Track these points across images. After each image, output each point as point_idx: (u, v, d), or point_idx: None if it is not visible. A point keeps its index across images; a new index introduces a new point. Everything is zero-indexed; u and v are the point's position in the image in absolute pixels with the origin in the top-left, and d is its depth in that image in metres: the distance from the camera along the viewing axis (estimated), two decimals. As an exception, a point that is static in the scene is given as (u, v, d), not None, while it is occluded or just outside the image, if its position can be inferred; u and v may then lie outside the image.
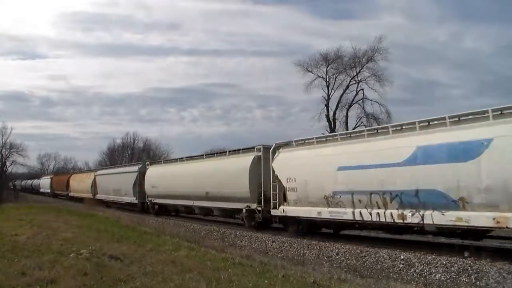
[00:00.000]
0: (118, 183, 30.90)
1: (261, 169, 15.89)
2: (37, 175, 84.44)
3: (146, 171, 26.41)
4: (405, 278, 9.20)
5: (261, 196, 15.64)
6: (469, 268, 8.67)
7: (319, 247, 12.29)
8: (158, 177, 24.63)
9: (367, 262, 10.57)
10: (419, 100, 77.42)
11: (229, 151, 19.58)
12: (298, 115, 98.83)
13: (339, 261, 11.09)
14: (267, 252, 12.99)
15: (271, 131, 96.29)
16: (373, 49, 37.51)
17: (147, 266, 7.89)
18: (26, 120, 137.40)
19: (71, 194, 44.70)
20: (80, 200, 37.35)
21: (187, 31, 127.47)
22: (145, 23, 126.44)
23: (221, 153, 21.27)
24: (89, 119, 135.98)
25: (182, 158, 24.15)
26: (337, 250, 11.66)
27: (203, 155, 22.16)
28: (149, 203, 25.66)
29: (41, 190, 62.88)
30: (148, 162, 28.18)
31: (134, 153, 72.29)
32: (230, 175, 17.35)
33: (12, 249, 9.73)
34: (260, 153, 16.23)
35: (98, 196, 35.09)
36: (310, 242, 12.78)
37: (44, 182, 62.77)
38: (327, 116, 39.62)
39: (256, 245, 14.20)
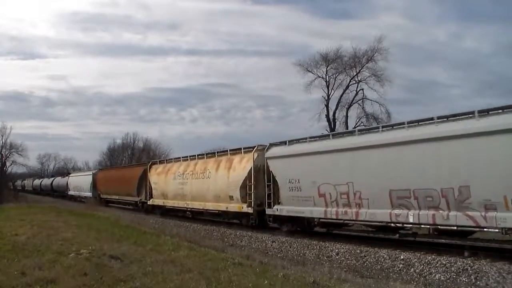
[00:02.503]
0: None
1: None
2: (38, 174, 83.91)
3: None
4: (405, 278, 9.20)
5: None
6: (469, 268, 8.67)
7: (319, 247, 12.29)
8: None
9: (367, 262, 10.57)
10: (419, 100, 77.42)
11: None
12: (298, 115, 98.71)
13: (339, 261, 11.09)
14: (267, 252, 13.00)
15: (271, 131, 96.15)
16: (373, 49, 37.44)
17: (147, 266, 7.88)
18: (26, 120, 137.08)
19: (153, 202, 23.75)
20: (190, 216, 21.45)
21: (187, 31, 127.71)
22: (145, 23, 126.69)
23: None
24: (89, 119, 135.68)
25: None
26: (337, 250, 11.66)
27: None
28: None
29: (71, 193, 42.87)
30: None
31: (134, 153, 72.19)
32: None
33: (12, 249, 9.73)
34: None
35: (289, 210, 14.11)
36: (310, 242, 12.79)
37: (79, 182, 40.84)
38: (327, 116, 39.58)
39: (256, 245, 14.20)
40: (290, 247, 13.03)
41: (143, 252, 9.67)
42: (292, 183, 13.87)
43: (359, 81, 39.00)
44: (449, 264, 9.05)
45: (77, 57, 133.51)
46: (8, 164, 62.07)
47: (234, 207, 16.59)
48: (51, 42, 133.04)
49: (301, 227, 14.60)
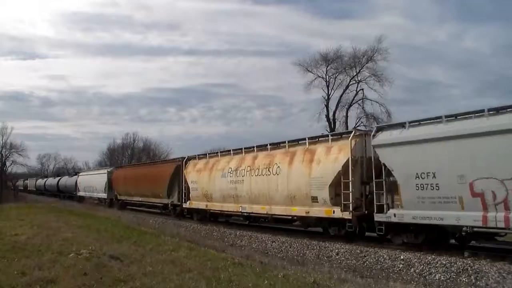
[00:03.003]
0: None
1: None
2: (38, 174, 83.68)
3: None
4: (405, 278, 9.20)
5: None
6: (469, 268, 8.67)
7: (319, 247, 12.28)
8: None
9: (367, 262, 10.57)
10: (419, 100, 77.58)
11: None
12: (298, 115, 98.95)
13: (339, 261, 11.09)
14: (267, 252, 12.99)
15: (271, 132, 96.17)
16: (373, 49, 37.52)
17: (147, 266, 7.89)
18: (26, 120, 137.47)
19: (191, 205, 19.78)
20: (246, 222, 17.75)
21: (187, 31, 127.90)
22: (145, 23, 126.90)
23: None
24: (89, 119, 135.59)
25: None
26: (337, 250, 11.66)
27: None
28: None
29: (81, 193, 38.98)
30: None
31: (134, 153, 72.28)
32: None
33: (12, 249, 9.75)
34: None
35: (416, 215, 10.51)
36: (310, 242, 12.78)
37: (91, 181, 36.71)
38: (327, 116, 39.64)
39: (256, 245, 14.19)
40: (290, 247, 13.02)
41: (143, 252, 9.68)
42: (422, 178, 10.18)
43: (359, 81, 39.09)
44: (449, 264, 9.05)
45: (77, 57, 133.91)
46: (8, 164, 62.25)
47: (319, 211, 12.86)
48: (51, 42, 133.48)
49: (433, 238, 10.75)
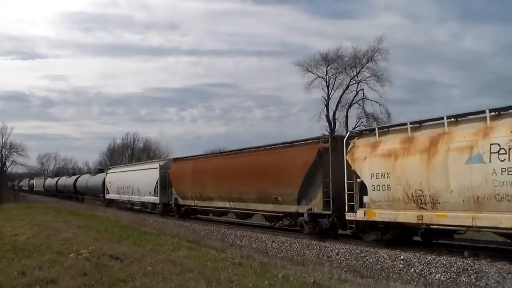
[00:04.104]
0: None
1: None
2: (37, 174, 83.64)
3: None
4: (405, 278, 9.21)
5: None
6: (469, 268, 8.68)
7: (319, 247, 12.28)
8: None
9: (367, 262, 10.57)
10: (419, 100, 77.47)
11: None
12: (298, 115, 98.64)
13: (339, 261, 11.09)
14: (267, 252, 13.00)
15: (271, 132, 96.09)
16: (373, 49, 37.43)
17: (147, 266, 7.89)
18: (26, 120, 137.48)
19: (371, 216, 11.22)
20: None
21: (187, 31, 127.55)
22: (145, 23, 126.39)
23: None
24: (89, 119, 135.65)
25: None
26: (337, 250, 11.66)
27: None
28: None
29: (111, 196, 30.81)
30: None
31: (134, 153, 72.26)
32: None
33: (12, 249, 9.75)
34: None
35: None
36: (310, 242, 12.79)
37: (131, 180, 27.10)
38: (327, 116, 39.58)
39: (256, 245, 14.20)
40: (290, 247, 13.02)
41: (143, 252, 9.68)
42: None
43: (359, 81, 39.01)
44: (449, 264, 9.05)
45: (77, 57, 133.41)
46: (8, 164, 62.25)
47: None
48: (51, 42, 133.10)
49: None
